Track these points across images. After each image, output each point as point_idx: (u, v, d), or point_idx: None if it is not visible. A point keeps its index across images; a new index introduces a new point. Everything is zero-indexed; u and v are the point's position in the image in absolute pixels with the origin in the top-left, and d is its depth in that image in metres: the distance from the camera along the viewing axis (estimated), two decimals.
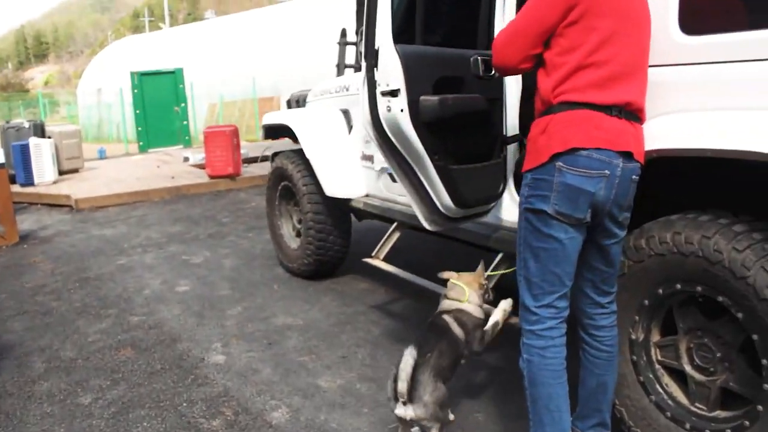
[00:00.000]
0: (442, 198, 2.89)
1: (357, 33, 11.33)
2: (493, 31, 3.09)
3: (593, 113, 2.10)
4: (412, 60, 2.67)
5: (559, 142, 2.09)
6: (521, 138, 3.23)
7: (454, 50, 2.90)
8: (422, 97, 2.67)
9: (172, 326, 4.37)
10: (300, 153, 4.98)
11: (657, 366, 2.51)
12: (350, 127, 4.77)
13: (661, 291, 2.39)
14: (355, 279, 5.15)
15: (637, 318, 2.50)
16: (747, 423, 2.15)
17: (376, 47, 2.70)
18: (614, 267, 2.33)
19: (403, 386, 2.46)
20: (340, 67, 12.38)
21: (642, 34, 2.19)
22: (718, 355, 2.29)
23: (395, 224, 4.19)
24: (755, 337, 2.10)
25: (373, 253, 4.17)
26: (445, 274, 2.93)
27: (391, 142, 2.77)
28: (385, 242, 4.17)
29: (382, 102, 2.72)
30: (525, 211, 2.22)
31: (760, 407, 2.11)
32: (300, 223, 5.20)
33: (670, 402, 2.44)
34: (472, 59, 2.84)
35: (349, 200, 4.68)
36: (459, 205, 2.92)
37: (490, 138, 3.01)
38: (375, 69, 2.71)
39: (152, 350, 3.98)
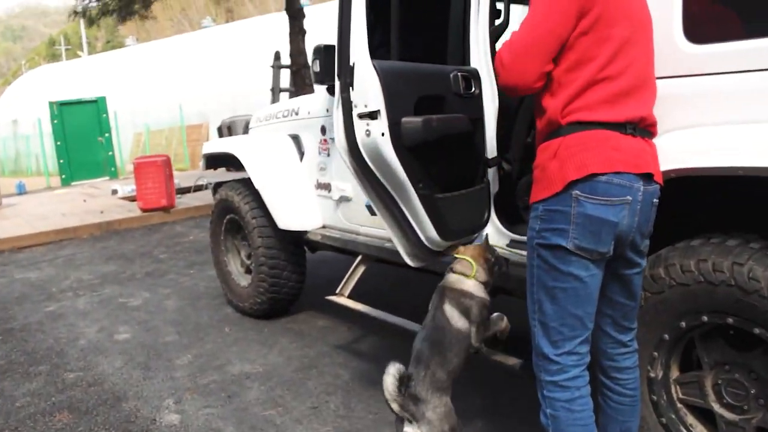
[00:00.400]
0: (427, 230, 2.60)
1: (291, 55, 11.08)
2: (468, 45, 2.85)
3: (608, 133, 1.86)
4: (392, 77, 2.38)
5: (575, 168, 1.83)
6: (500, 161, 2.99)
7: (432, 66, 2.64)
8: (404, 119, 2.38)
9: (114, 382, 3.91)
10: (247, 183, 4.62)
11: (679, 405, 2.28)
12: (302, 154, 4.45)
13: (683, 324, 2.17)
14: (313, 316, 4.79)
15: (655, 354, 2.27)
16: None
17: (351, 63, 2.39)
18: (636, 300, 2.09)
19: (395, 407, 2.32)
20: (275, 91, 12.07)
21: (649, 40, 1.98)
22: (752, 391, 2.07)
23: (360, 258, 3.88)
24: None
25: (338, 290, 3.83)
26: (450, 250, 2.64)
27: (371, 170, 2.47)
28: (349, 278, 3.85)
29: (359, 125, 2.42)
30: (538, 246, 1.94)
31: None
32: (249, 258, 4.82)
33: None
34: (452, 75, 2.58)
35: (304, 232, 4.34)
36: (445, 237, 2.64)
37: (473, 161, 2.75)
38: (350, 88, 2.40)
39: (94, 412, 3.51)
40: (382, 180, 2.48)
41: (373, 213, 2.62)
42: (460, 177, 2.68)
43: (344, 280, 3.85)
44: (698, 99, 2.10)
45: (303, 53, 10.69)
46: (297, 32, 10.65)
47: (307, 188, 4.37)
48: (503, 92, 2.00)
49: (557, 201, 1.86)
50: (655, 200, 1.93)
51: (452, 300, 2.50)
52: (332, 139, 4.00)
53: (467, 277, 2.53)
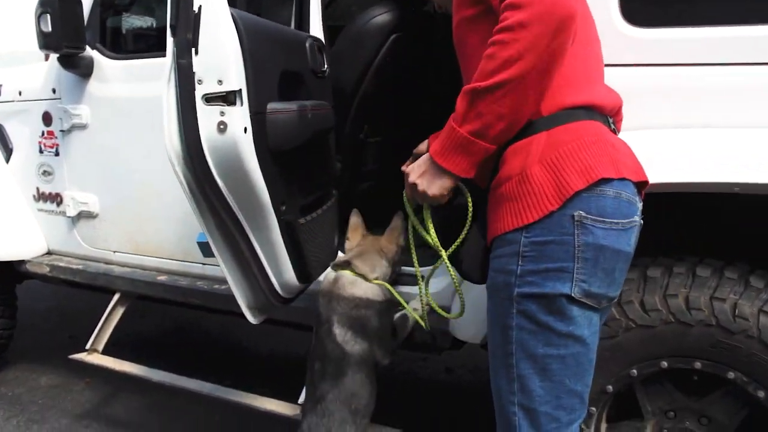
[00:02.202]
0: (283, 273, 1.80)
1: None
2: (309, 3, 2.07)
3: (599, 125, 1.33)
4: (255, 38, 1.53)
5: (577, 171, 1.24)
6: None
7: (287, 28, 1.85)
8: (270, 106, 1.55)
9: None
10: None
11: None
12: (8, 152, 3.20)
13: (635, 372, 1.76)
14: (33, 370, 3.50)
15: (593, 410, 1.83)
16: None
17: (194, 8, 1.46)
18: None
19: None
20: None
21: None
22: None
23: (117, 297, 2.86)
24: None
25: (89, 345, 2.77)
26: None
27: (217, 187, 1.57)
28: (103, 326, 2.81)
29: (207, 114, 1.50)
30: (520, 299, 1.30)
31: None
32: None
33: None
34: (308, 45, 1.83)
35: (20, 263, 3.12)
36: (303, 278, 1.86)
37: (326, 168, 2.01)
38: (193, 51, 1.48)
39: None
40: (232, 202, 1.60)
41: (208, 253, 1.73)
42: (315, 192, 1.93)
43: (97, 330, 2.81)
44: (645, 94, 1.70)
45: None
46: None
47: (20, 200, 3.16)
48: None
49: (550, 227, 1.24)
50: (641, 220, 1.44)
51: (343, 317, 1.86)
52: (63, 131, 2.90)
53: (368, 279, 1.90)
